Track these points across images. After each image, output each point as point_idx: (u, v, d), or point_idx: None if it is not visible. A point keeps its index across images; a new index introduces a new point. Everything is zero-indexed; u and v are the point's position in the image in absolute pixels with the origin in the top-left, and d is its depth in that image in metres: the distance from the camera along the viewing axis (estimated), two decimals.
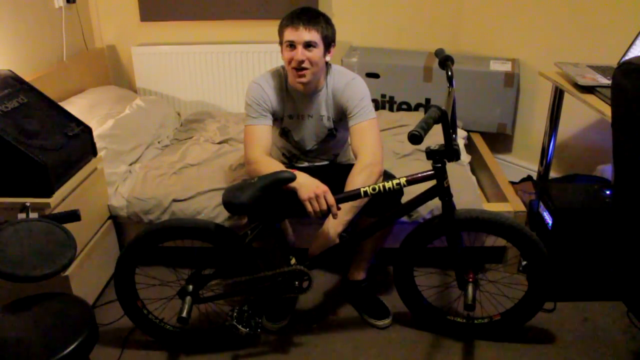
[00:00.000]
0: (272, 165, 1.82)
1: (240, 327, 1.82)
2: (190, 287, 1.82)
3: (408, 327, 2.03)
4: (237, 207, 1.69)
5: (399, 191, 1.87)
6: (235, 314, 1.83)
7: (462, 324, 1.97)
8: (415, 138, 1.41)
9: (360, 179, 1.78)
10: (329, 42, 1.86)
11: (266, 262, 1.87)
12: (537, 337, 1.97)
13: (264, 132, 1.91)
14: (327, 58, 1.88)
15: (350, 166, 1.86)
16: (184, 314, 1.75)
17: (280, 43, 1.87)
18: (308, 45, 1.79)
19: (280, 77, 1.94)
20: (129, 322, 1.98)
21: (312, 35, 1.79)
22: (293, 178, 1.67)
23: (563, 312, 2.08)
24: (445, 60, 1.84)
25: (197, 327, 2.04)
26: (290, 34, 1.80)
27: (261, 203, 1.68)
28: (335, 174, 1.95)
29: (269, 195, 1.68)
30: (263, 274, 1.81)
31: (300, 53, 1.79)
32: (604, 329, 2.00)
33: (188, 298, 1.80)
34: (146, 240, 1.83)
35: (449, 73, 1.80)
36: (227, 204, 1.69)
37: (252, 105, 1.91)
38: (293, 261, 1.83)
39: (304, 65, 1.80)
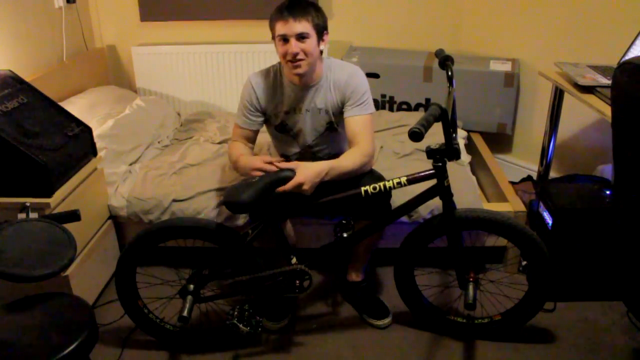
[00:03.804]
0: (244, 156, 1.88)
1: (241, 326, 1.82)
2: (191, 286, 1.82)
3: (408, 327, 2.03)
4: (239, 207, 1.69)
5: (388, 194, 1.88)
6: (236, 313, 1.84)
7: (463, 323, 1.97)
8: (415, 135, 1.40)
9: (354, 161, 1.80)
10: (321, 30, 1.83)
11: (267, 262, 1.87)
12: (537, 337, 1.97)
13: (244, 130, 1.97)
14: (321, 47, 1.85)
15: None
16: (185, 313, 1.75)
17: (273, 38, 1.85)
18: (300, 36, 1.78)
19: (275, 74, 1.94)
20: (129, 322, 1.98)
21: (304, 26, 1.77)
22: (292, 176, 1.68)
23: (563, 312, 2.08)
24: (445, 60, 1.84)
25: (198, 327, 2.04)
26: (281, 28, 1.78)
27: (262, 202, 1.68)
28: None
29: (270, 194, 1.68)
30: (264, 273, 1.81)
31: (293, 45, 1.77)
32: (604, 329, 2.00)
33: (189, 297, 1.80)
34: (147, 240, 1.83)
35: (449, 73, 1.80)
36: (228, 203, 1.69)
37: (240, 104, 1.96)
38: (294, 260, 1.83)
39: (299, 57, 1.79)
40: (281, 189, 1.68)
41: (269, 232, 1.81)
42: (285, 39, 1.79)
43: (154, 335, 1.96)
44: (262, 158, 1.84)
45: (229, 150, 1.99)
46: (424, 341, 1.97)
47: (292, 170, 1.69)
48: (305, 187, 1.69)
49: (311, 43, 1.79)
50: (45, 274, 1.38)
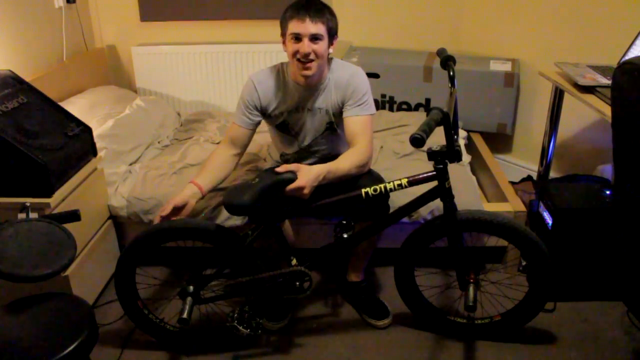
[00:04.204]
0: (207, 164, 1.95)
1: (241, 328, 1.82)
2: (191, 287, 1.82)
3: (408, 328, 2.03)
4: (238, 209, 1.69)
5: (386, 195, 1.88)
6: (236, 315, 1.83)
7: (463, 324, 1.97)
8: (417, 141, 1.40)
9: (351, 163, 1.81)
10: (333, 34, 1.83)
11: (267, 263, 1.87)
12: (537, 337, 1.97)
13: (238, 132, 1.95)
14: (330, 50, 1.85)
15: None
16: (185, 315, 1.75)
17: (283, 34, 1.83)
18: (314, 37, 1.77)
19: (278, 73, 1.93)
20: (129, 322, 1.98)
21: (319, 27, 1.76)
22: (293, 179, 1.67)
23: (563, 312, 2.08)
24: (447, 60, 1.83)
25: (198, 327, 2.03)
26: (295, 26, 1.76)
27: (262, 204, 1.68)
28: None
29: (269, 196, 1.68)
30: (264, 274, 1.81)
31: (306, 45, 1.76)
32: (604, 329, 2.00)
33: (189, 299, 1.80)
34: (147, 241, 1.83)
35: (451, 73, 1.79)
36: (228, 205, 1.69)
37: (240, 102, 1.95)
38: (294, 262, 1.82)
39: (310, 57, 1.78)
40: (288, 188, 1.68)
41: (269, 233, 1.81)
42: (298, 38, 1.77)
43: (153, 336, 1.96)
44: (175, 202, 1.83)
45: (212, 152, 2.00)
46: (424, 341, 1.97)
47: (293, 173, 1.68)
48: (306, 191, 1.68)
49: (323, 45, 1.79)
50: (45, 274, 1.38)
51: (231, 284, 1.85)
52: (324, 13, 1.79)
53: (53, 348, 1.31)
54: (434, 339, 1.98)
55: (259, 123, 1.99)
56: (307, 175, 1.69)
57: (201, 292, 1.85)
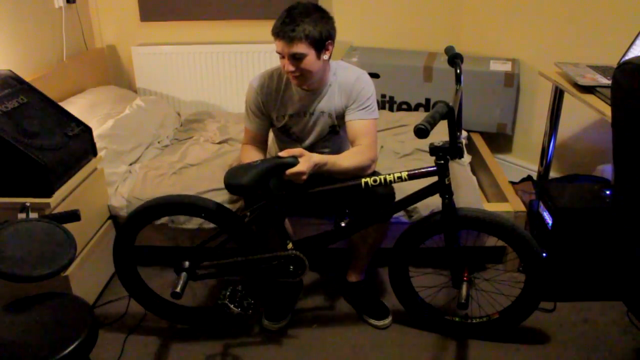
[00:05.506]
0: (248, 152, 1.97)
1: (232, 306, 1.83)
2: (187, 263, 1.84)
3: (408, 327, 2.03)
4: (239, 188, 1.71)
5: (391, 195, 1.88)
6: (228, 293, 1.84)
7: (460, 323, 1.97)
8: (421, 132, 1.41)
9: (353, 161, 1.80)
10: (321, 43, 1.76)
11: (264, 245, 1.88)
12: (537, 337, 1.97)
13: (255, 132, 1.99)
14: (325, 57, 1.81)
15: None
16: (178, 289, 1.77)
17: None
18: (294, 57, 1.74)
19: (279, 77, 1.93)
20: (129, 322, 2.00)
21: (297, 47, 1.71)
22: (295, 163, 1.68)
23: (563, 312, 2.08)
24: (454, 58, 1.84)
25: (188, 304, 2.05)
26: (277, 45, 1.76)
27: (262, 186, 1.69)
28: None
29: (269, 178, 1.70)
30: (260, 255, 1.82)
31: (288, 64, 1.76)
32: (604, 329, 2.00)
33: (183, 274, 1.82)
34: (150, 213, 1.87)
35: (458, 71, 1.80)
36: (228, 184, 1.71)
37: (247, 109, 1.98)
38: (290, 246, 1.83)
39: (295, 74, 1.78)
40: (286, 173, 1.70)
41: (267, 216, 1.82)
42: (282, 55, 1.78)
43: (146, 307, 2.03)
44: None
45: (241, 154, 2.03)
46: (423, 341, 1.97)
47: (295, 158, 1.69)
48: (304, 177, 1.69)
49: (308, 61, 1.75)
50: (45, 274, 1.38)
51: (226, 263, 1.86)
52: (304, 27, 1.70)
53: (53, 348, 1.31)
54: (434, 339, 1.98)
55: (271, 123, 2.01)
56: (308, 161, 1.71)
57: (196, 269, 1.86)
